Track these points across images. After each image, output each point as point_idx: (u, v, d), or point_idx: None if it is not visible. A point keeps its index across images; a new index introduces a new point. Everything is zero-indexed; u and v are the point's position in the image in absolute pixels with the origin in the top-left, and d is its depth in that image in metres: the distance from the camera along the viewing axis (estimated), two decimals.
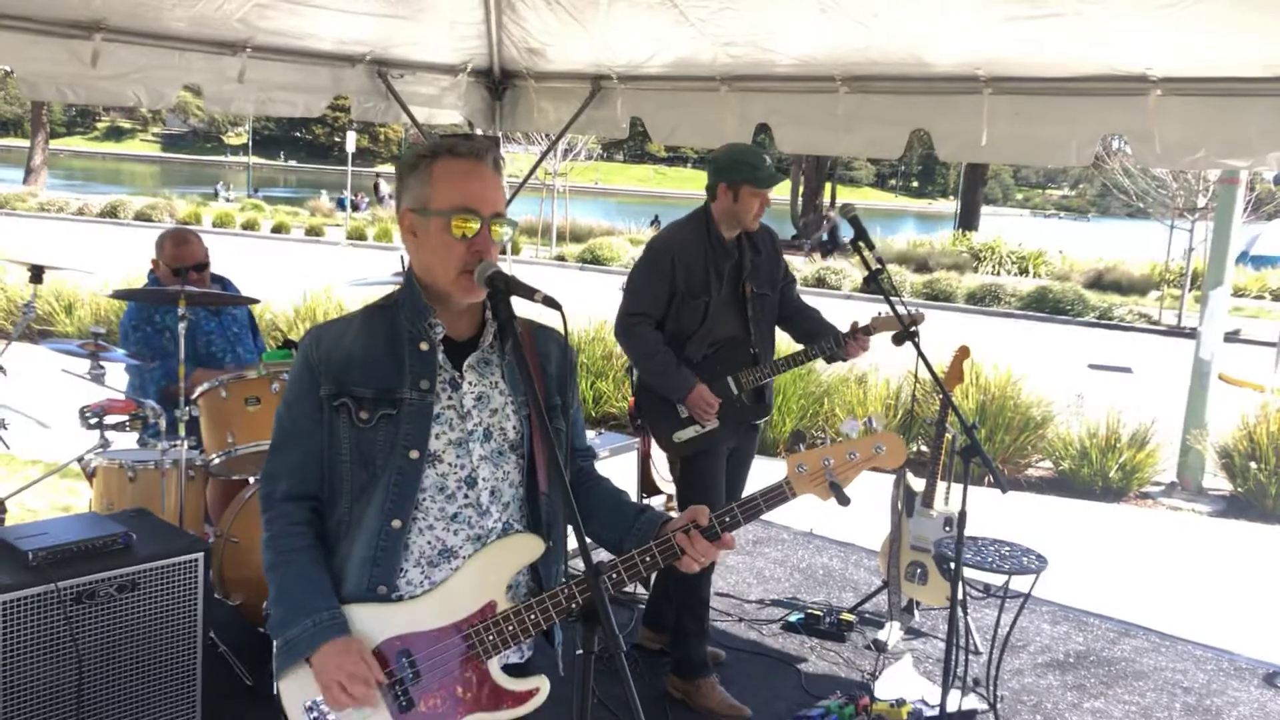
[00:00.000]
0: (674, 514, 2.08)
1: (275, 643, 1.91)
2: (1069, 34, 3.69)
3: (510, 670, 1.97)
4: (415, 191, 1.94)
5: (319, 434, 1.94)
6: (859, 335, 3.87)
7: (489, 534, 1.98)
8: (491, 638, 1.91)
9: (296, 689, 1.90)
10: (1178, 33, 3.51)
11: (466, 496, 1.96)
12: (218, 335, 4.58)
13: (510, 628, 1.91)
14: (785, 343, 4.21)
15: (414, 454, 1.92)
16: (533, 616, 1.90)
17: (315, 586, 1.92)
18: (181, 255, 4.42)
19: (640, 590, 4.78)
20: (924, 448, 7.68)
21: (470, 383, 1.98)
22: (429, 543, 1.95)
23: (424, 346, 1.95)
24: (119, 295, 4.56)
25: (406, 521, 1.92)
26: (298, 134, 70.02)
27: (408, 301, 1.98)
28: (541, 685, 1.97)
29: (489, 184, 1.93)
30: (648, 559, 1.90)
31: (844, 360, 4.00)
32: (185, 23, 4.40)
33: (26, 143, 39.56)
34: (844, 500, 1.95)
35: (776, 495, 1.97)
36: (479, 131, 5.83)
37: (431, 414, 1.93)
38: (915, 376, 7.53)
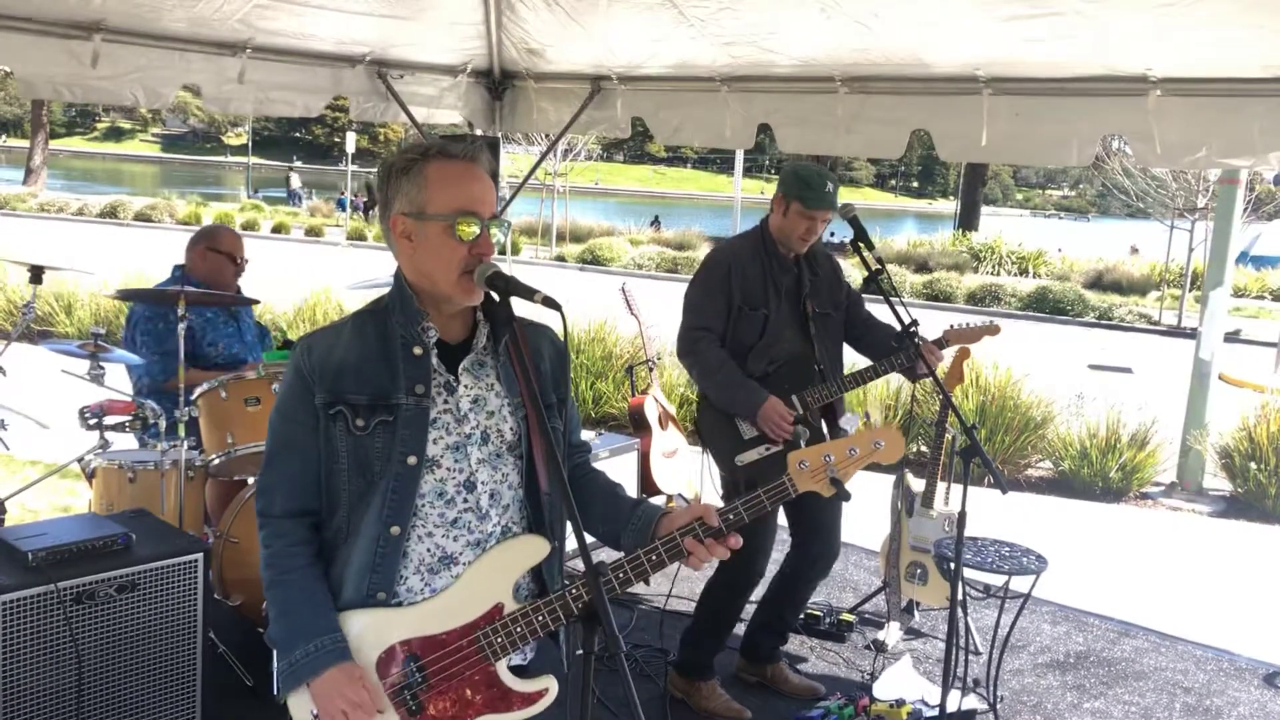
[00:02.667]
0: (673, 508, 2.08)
1: (278, 663, 1.90)
2: (1069, 34, 3.69)
3: (514, 672, 1.96)
4: (409, 196, 1.89)
5: (314, 443, 1.92)
6: (931, 346, 3.72)
7: (488, 538, 1.97)
8: (500, 639, 1.91)
9: (305, 701, 1.90)
10: (1176, 33, 3.51)
11: (466, 501, 1.95)
12: (235, 339, 4.60)
13: (519, 629, 1.90)
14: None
15: (411, 460, 1.90)
16: (541, 617, 1.89)
17: (317, 608, 1.91)
18: (236, 245, 4.63)
19: (643, 590, 4.78)
20: (924, 448, 7.68)
21: (466, 385, 1.97)
22: (428, 550, 1.94)
23: (417, 351, 1.93)
24: (123, 295, 4.57)
25: (405, 528, 1.91)
26: (297, 134, 70.05)
27: (398, 306, 1.95)
28: (551, 685, 1.97)
29: (485, 185, 1.92)
30: (653, 557, 1.89)
31: (921, 374, 3.77)
32: (185, 23, 4.40)
33: (26, 143, 39.56)
34: (845, 496, 1.96)
35: (779, 491, 1.97)
36: (479, 132, 5.84)
37: (428, 419, 1.92)
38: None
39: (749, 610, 4.11)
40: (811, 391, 3.77)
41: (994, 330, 3.89)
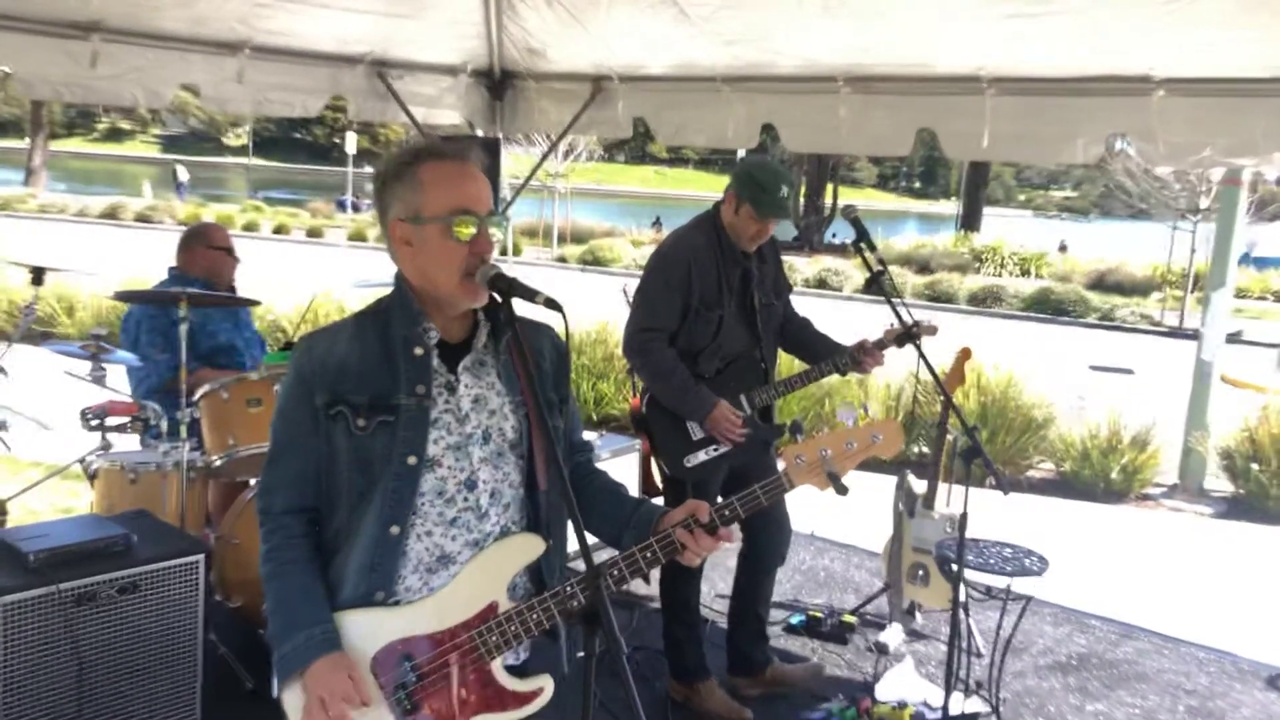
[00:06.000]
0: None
1: (274, 655, 1.91)
2: (1071, 34, 3.69)
3: (510, 672, 1.96)
4: (405, 200, 1.89)
5: (315, 444, 1.92)
6: (873, 351, 3.70)
7: (486, 537, 1.97)
8: (494, 638, 1.91)
9: (299, 700, 1.89)
10: (1179, 33, 3.51)
11: (466, 500, 1.95)
12: (235, 338, 4.61)
13: (513, 628, 1.90)
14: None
15: (412, 460, 1.90)
16: (535, 616, 1.89)
17: (311, 601, 1.91)
18: (229, 239, 4.67)
19: (644, 589, 4.77)
20: (925, 449, 7.67)
21: (467, 385, 1.97)
22: (427, 549, 1.93)
23: (418, 351, 1.93)
24: (122, 296, 4.57)
25: (405, 528, 1.91)
26: (297, 135, 70.04)
27: (398, 307, 1.95)
28: (546, 685, 1.97)
29: (480, 183, 1.92)
30: (649, 554, 1.89)
31: (860, 373, 3.85)
32: (184, 23, 4.39)
33: (26, 144, 39.63)
34: (842, 490, 1.93)
35: (775, 487, 1.96)
36: (479, 132, 5.83)
37: (429, 419, 1.92)
38: (916, 378, 7.52)
39: (725, 619, 4.10)
40: (759, 391, 3.74)
41: (930, 330, 3.81)
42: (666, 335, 3.62)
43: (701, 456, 3.68)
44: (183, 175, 39.35)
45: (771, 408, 3.88)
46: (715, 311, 3.63)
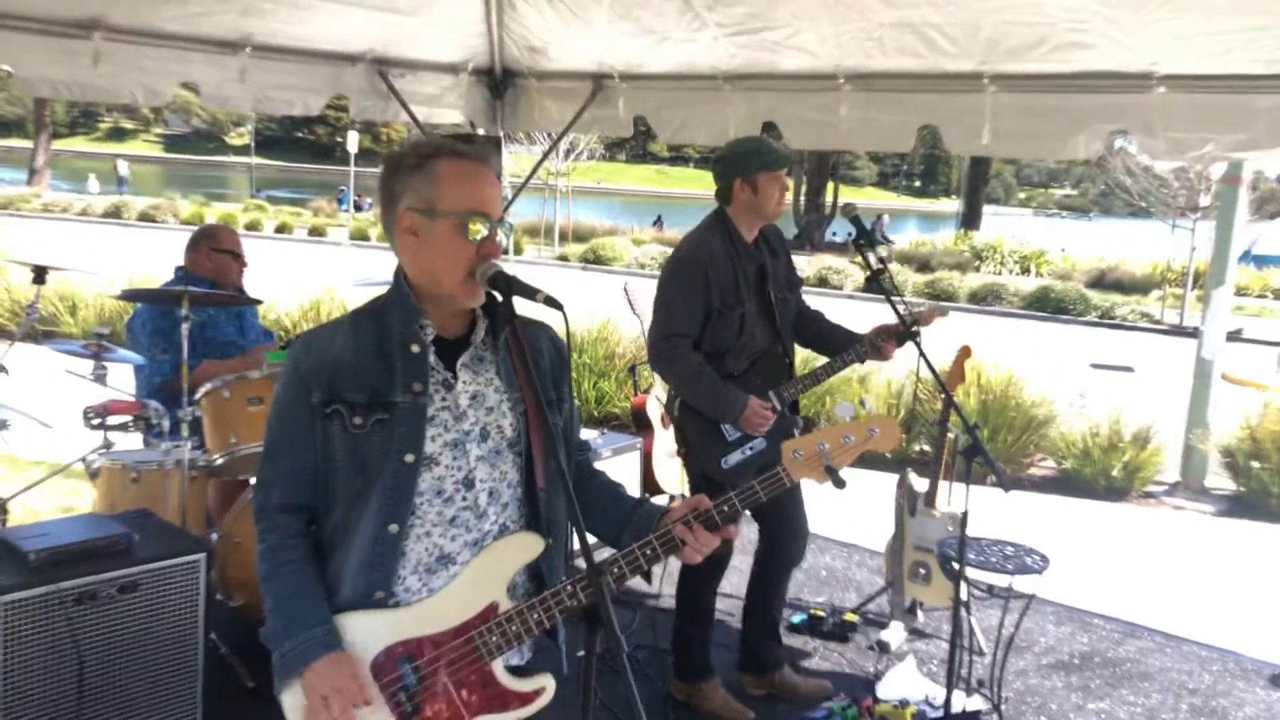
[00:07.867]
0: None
1: (273, 655, 1.90)
2: (1071, 31, 3.69)
3: (512, 672, 1.96)
4: (419, 192, 1.90)
5: (311, 440, 1.92)
6: (890, 337, 3.67)
7: (485, 536, 1.97)
8: (495, 639, 1.90)
9: (298, 700, 1.89)
10: (1180, 29, 3.51)
11: (464, 499, 1.94)
12: (239, 338, 4.61)
13: (514, 628, 1.90)
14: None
15: (409, 457, 1.90)
16: (535, 615, 1.89)
17: (310, 601, 1.90)
18: (238, 243, 4.66)
19: (644, 587, 4.77)
20: (926, 447, 7.67)
21: (464, 382, 1.96)
22: (426, 549, 1.93)
23: (415, 349, 1.93)
24: (127, 296, 4.58)
25: (404, 526, 1.91)
26: (300, 134, 70.11)
27: (397, 304, 1.95)
28: (547, 684, 1.97)
29: (496, 188, 1.94)
30: (648, 552, 1.89)
31: (881, 360, 3.84)
32: (185, 21, 4.39)
33: (29, 144, 39.72)
34: (839, 484, 1.94)
35: (774, 482, 1.96)
36: (480, 131, 5.82)
37: (425, 416, 1.91)
38: (917, 376, 7.51)
39: (736, 618, 4.09)
40: (787, 387, 3.74)
41: (943, 312, 3.79)
42: (690, 340, 3.61)
43: (738, 457, 3.68)
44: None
45: (797, 402, 3.88)
46: (736, 310, 3.63)
